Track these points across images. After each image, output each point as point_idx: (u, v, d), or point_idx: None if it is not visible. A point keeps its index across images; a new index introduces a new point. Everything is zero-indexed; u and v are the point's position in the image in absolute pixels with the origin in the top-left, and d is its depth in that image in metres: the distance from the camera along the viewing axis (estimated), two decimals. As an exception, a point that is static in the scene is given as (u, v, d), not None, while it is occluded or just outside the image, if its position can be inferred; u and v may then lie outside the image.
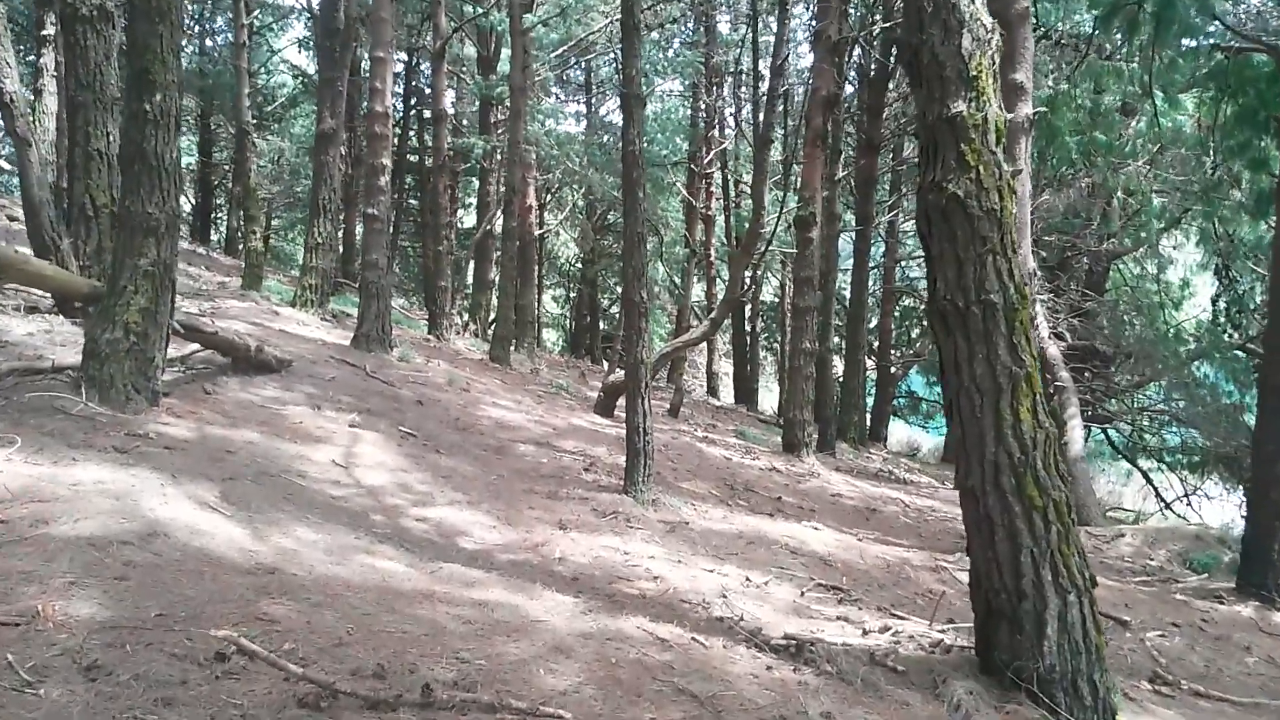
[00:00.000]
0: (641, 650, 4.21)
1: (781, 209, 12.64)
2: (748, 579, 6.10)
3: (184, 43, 29.45)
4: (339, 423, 7.52)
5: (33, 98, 14.52)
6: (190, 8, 30.20)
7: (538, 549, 5.89)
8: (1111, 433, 17.82)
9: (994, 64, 4.46)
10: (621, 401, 13.85)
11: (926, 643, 4.94)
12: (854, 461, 16.30)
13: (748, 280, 13.23)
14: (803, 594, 5.98)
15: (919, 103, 4.62)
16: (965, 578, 8.01)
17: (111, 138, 8.53)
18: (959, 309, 4.25)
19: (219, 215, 33.84)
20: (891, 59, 18.21)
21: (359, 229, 16.90)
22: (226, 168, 30.14)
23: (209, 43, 31.27)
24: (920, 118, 4.60)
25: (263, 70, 29.56)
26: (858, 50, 18.57)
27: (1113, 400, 16.76)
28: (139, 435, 5.47)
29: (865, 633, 5.10)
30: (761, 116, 18.04)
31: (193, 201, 33.07)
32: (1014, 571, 4.15)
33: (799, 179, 13.82)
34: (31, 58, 17.98)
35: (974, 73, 4.34)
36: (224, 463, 5.64)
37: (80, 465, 4.85)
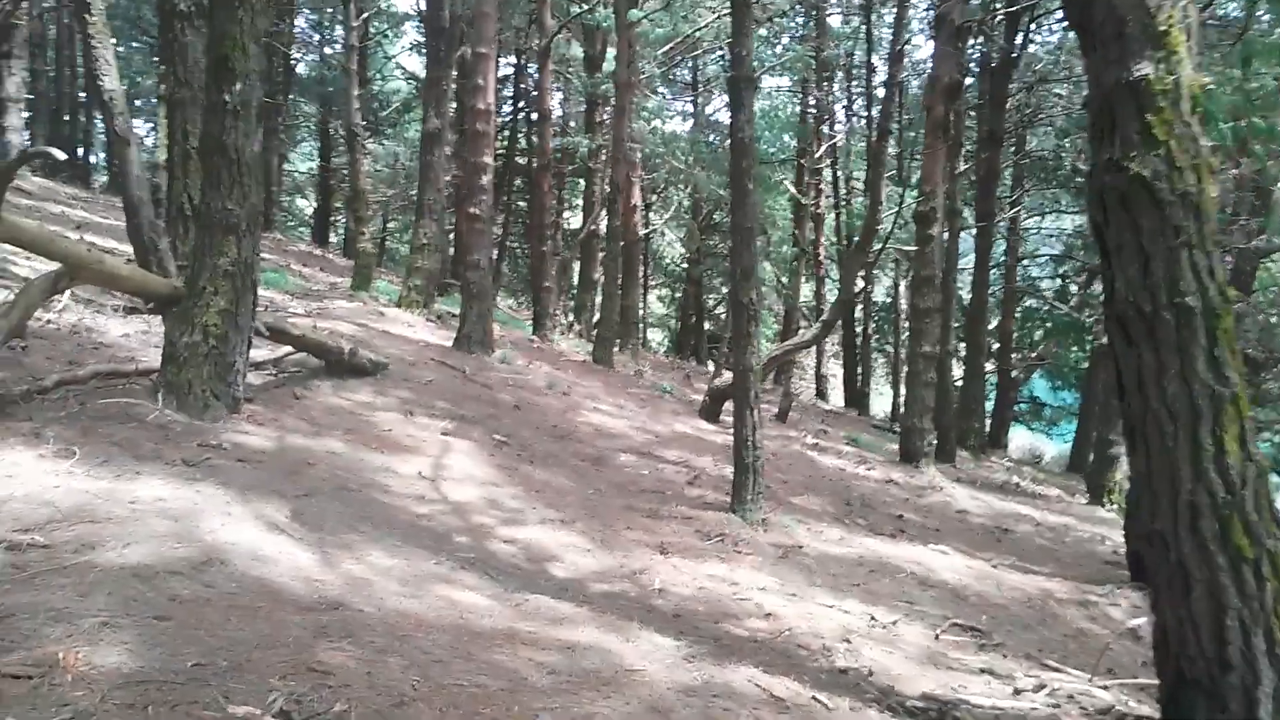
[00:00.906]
0: (754, 713, 3.54)
1: (901, 204, 11.74)
2: (873, 618, 5.34)
3: (303, 52, 30.01)
4: (430, 430, 7.03)
5: (157, 102, 14.68)
6: (310, 16, 30.75)
7: (635, 577, 5.25)
8: (1263, 445, 16.23)
9: (1187, 17, 3.63)
10: (728, 406, 13.15)
11: (1093, 707, 4.11)
12: (976, 472, 15.21)
13: (861, 280, 12.36)
14: (937, 637, 5.19)
15: (1091, 68, 3.80)
16: (1117, 614, 7.08)
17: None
18: (1145, 315, 3.43)
19: (338, 218, 34.39)
20: (1016, 45, 17.01)
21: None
22: (344, 172, 30.56)
23: (328, 50, 31.79)
24: (1093, 86, 3.79)
25: (378, 76, 29.83)
26: (976, 39, 17.43)
27: (1264, 408, 15.22)
28: (212, 446, 5.06)
29: (1017, 691, 4.30)
30: (877, 108, 17.10)
31: (313, 204, 33.72)
32: (1216, 637, 3.31)
33: (917, 172, 12.86)
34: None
35: (1162, 27, 3.51)
36: (301, 476, 5.18)
37: (143, 480, 4.44)
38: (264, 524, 4.36)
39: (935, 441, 13.31)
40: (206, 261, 5.56)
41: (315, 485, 5.10)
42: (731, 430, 7.41)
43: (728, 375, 12.81)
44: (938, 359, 13.48)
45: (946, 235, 14.68)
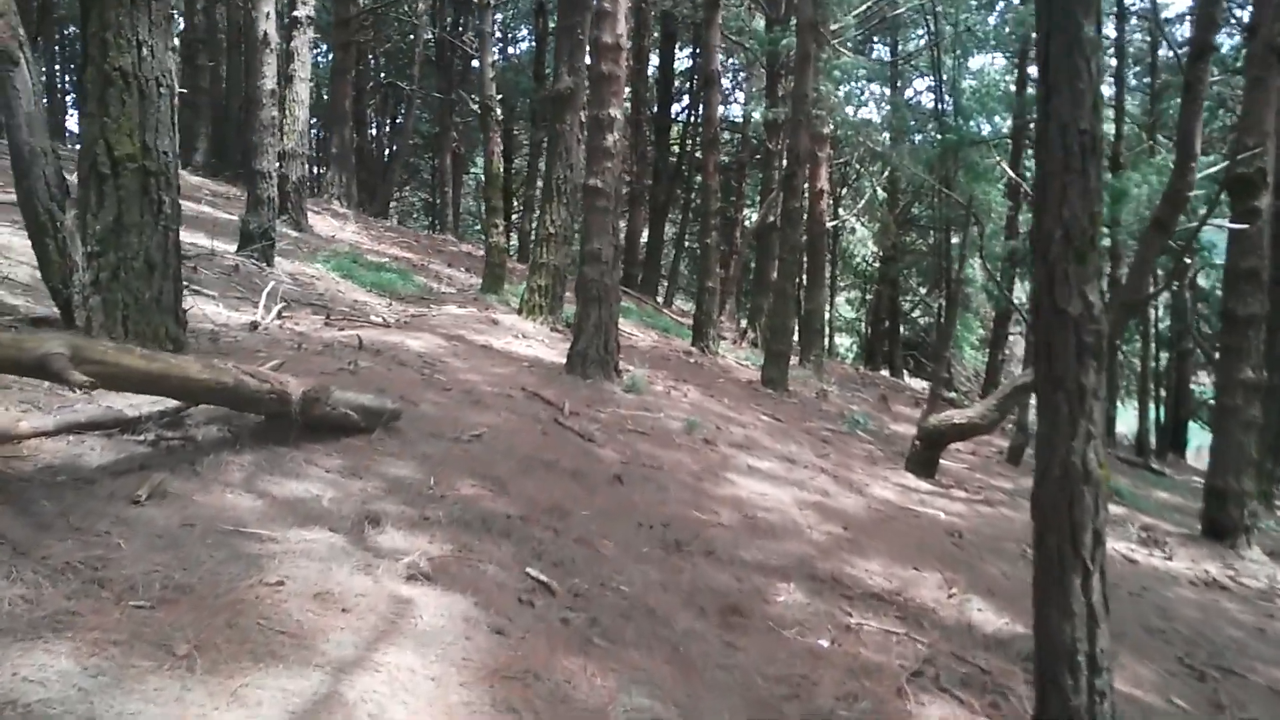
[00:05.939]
0: None
1: (1234, 159, 7.10)
2: None
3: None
4: (385, 571, 3.18)
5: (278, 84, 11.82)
6: (498, 17, 28.13)
7: None
8: None
9: None
10: (955, 447, 8.81)
11: None
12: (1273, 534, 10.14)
13: (1161, 273, 7.76)
14: None
15: None
16: None
17: (146, 50, 4.93)
18: None
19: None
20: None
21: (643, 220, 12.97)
22: (527, 173, 27.73)
23: (510, 50, 29.20)
24: None
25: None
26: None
27: None
28: None
29: None
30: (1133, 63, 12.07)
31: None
32: None
33: (1237, 117, 8.10)
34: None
35: None
36: None
37: None
38: None
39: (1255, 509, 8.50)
40: None
41: None
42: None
43: (950, 411, 8.53)
44: (1264, 389, 8.59)
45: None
